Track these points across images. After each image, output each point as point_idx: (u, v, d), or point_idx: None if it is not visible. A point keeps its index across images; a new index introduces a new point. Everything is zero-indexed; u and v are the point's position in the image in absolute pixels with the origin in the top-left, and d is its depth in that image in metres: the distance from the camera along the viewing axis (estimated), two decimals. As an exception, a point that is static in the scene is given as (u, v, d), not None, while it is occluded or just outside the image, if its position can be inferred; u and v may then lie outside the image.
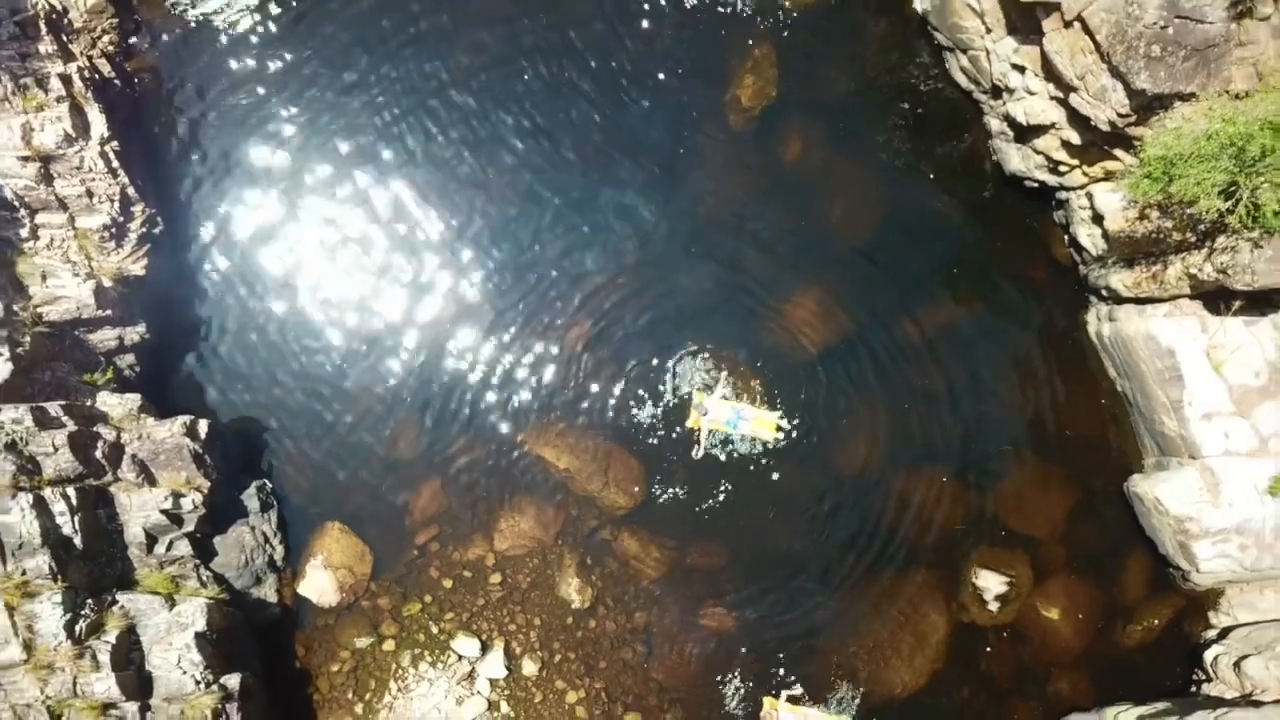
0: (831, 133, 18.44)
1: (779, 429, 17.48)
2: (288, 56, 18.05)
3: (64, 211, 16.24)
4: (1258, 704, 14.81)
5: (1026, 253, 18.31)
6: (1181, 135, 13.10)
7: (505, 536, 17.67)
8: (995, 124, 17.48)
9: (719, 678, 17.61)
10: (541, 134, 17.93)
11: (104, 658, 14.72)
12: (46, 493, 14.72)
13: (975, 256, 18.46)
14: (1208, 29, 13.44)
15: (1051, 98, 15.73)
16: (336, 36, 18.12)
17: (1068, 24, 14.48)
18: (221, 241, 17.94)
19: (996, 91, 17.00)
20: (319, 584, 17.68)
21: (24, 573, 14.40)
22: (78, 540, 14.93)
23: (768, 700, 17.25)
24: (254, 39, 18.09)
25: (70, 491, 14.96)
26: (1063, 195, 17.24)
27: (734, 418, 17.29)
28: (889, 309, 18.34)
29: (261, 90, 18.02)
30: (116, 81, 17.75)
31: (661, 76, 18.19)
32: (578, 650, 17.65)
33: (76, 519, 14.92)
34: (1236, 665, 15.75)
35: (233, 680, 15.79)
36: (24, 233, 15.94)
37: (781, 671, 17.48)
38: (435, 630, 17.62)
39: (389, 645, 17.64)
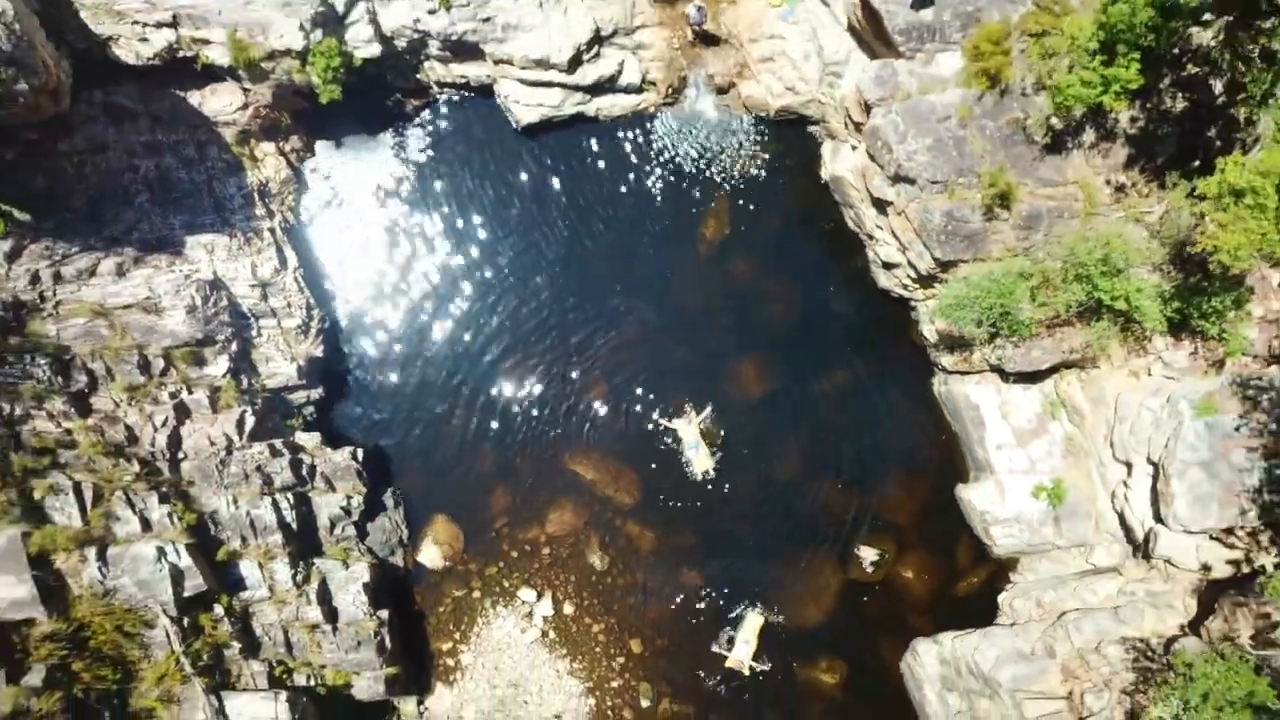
0: (766, 256, 27.57)
1: (707, 472, 26.65)
2: (398, 214, 27.40)
3: (274, 318, 25.59)
4: (1012, 626, 24.18)
5: (894, 338, 27.44)
6: (950, 292, 22.43)
7: (552, 523, 27.10)
8: (872, 255, 26.65)
9: (690, 616, 26.94)
10: (574, 262, 27.27)
11: (312, 597, 24.14)
12: (278, 497, 24.15)
13: (861, 339, 27.61)
14: (972, 225, 22.73)
15: (897, 248, 25.00)
16: (439, 196, 27.48)
17: (899, 213, 23.79)
18: (363, 330, 27.32)
19: (870, 236, 26.24)
20: (430, 554, 27.13)
21: (267, 545, 23.84)
22: (294, 525, 24.34)
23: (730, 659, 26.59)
24: (376, 201, 27.42)
25: (290, 496, 24.41)
26: (913, 304, 26.44)
27: (694, 443, 26.65)
28: (803, 372, 27.46)
29: (382, 234, 27.38)
30: (296, 226, 27.16)
31: (653, 222, 27.41)
32: (599, 598, 27.06)
33: (293, 513, 24.35)
34: (1011, 604, 25.12)
35: (384, 613, 25.25)
36: (254, 333, 25.31)
37: (735, 610, 26.82)
38: (506, 585, 27.07)
39: (476, 594, 27.10)
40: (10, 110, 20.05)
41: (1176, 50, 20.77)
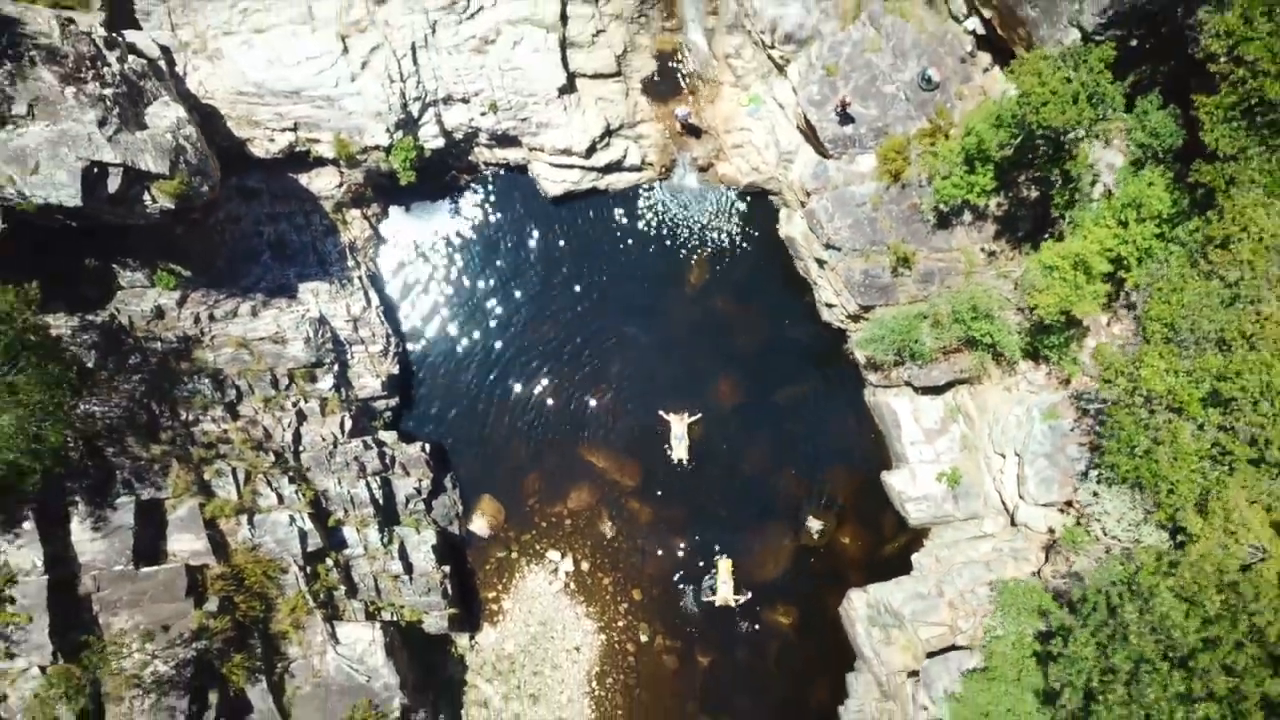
0: (738, 296, 35.63)
1: (682, 460, 34.51)
2: (452, 262, 35.55)
3: (363, 345, 33.68)
4: (917, 576, 32.35)
5: (836, 359, 35.53)
6: (867, 327, 30.57)
7: (572, 500, 35.29)
8: (817, 296, 34.74)
9: (678, 572, 35.16)
10: (587, 300, 35.37)
11: (394, 554, 32.21)
12: (369, 480, 32.28)
13: (812, 360, 35.77)
14: (883, 280, 30.87)
15: (834, 293, 33.13)
16: (483, 249, 35.61)
17: (831, 269, 31.94)
18: (427, 352, 35.45)
19: (815, 283, 34.33)
20: (479, 525, 35.31)
21: (362, 516, 31.95)
22: (381, 501, 32.44)
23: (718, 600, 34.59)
24: (435, 253, 35.54)
25: (377, 479, 32.52)
26: (848, 334, 34.56)
27: (680, 436, 34.75)
28: (766, 387, 35.57)
29: (440, 278, 35.49)
30: (377, 273, 35.28)
31: (650, 270, 35.53)
32: (608, 558, 35.26)
33: (380, 491, 32.46)
34: (920, 561, 33.27)
35: (446, 568, 33.33)
36: (349, 357, 33.42)
37: (710, 562, 34.97)
38: (537, 548, 35.26)
39: (514, 555, 35.29)
40: (193, 204, 28.12)
41: (1030, 156, 28.84)
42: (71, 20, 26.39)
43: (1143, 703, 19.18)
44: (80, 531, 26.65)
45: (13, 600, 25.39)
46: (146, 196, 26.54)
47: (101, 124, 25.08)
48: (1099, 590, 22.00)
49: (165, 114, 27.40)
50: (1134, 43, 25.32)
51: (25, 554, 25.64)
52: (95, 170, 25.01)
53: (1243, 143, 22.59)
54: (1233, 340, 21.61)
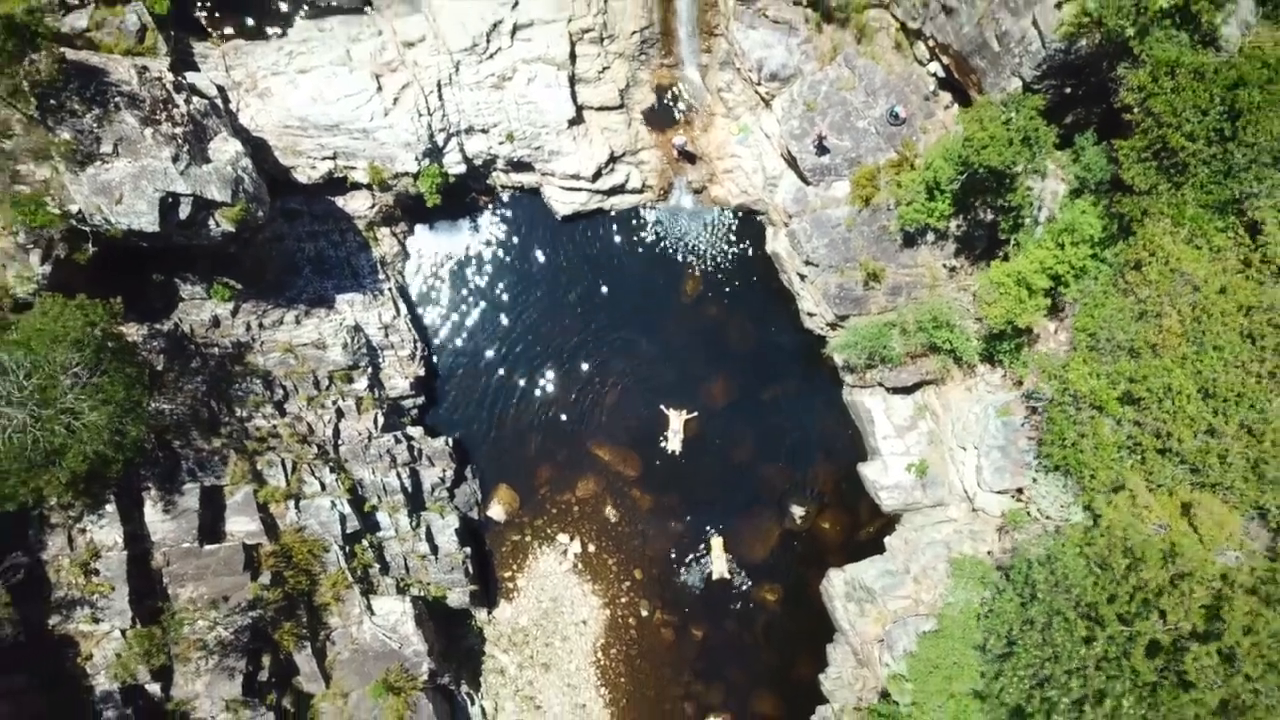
0: (729, 305, 39.58)
1: (675, 451, 38.52)
2: (472, 275, 39.45)
3: (393, 350, 37.61)
4: (887, 556, 36.28)
5: (816, 363, 39.39)
6: (841, 334, 34.48)
7: (580, 489, 39.23)
8: (800, 306, 38.67)
9: (675, 552, 39.11)
10: (592, 308, 39.33)
11: (422, 537, 36.16)
12: (399, 470, 36.20)
13: (797, 362, 39.70)
14: (856, 293, 34.76)
15: (814, 303, 37.05)
16: (500, 263, 39.57)
17: (811, 283, 35.85)
18: (449, 355, 39.39)
19: (798, 294, 38.25)
20: (496, 511, 39.26)
21: (394, 502, 35.87)
22: (410, 489, 36.36)
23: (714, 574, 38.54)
24: (457, 267, 39.48)
25: (406, 469, 36.44)
26: (828, 339, 38.47)
27: (677, 430, 38.62)
28: (755, 386, 39.59)
29: (461, 289, 39.40)
30: (404, 285, 39.22)
31: (649, 282, 39.45)
32: (612, 541, 39.20)
33: (409, 480, 36.37)
34: (891, 543, 37.18)
35: (467, 549, 37.25)
36: (381, 360, 37.32)
37: (702, 541, 38.93)
38: (549, 532, 39.21)
39: (528, 538, 39.24)
40: (249, 227, 32.00)
41: (984, 184, 32.70)
42: (146, 68, 30.29)
43: (1052, 644, 23.10)
44: (153, 513, 30.57)
45: (97, 572, 29.40)
46: (211, 221, 30.42)
47: (175, 159, 28.95)
48: (1024, 558, 25.87)
49: (225, 148, 31.26)
50: (1068, 90, 29.18)
51: (107, 532, 29.60)
52: (170, 200, 28.89)
53: (1154, 180, 26.50)
54: (1141, 348, 25.48)
